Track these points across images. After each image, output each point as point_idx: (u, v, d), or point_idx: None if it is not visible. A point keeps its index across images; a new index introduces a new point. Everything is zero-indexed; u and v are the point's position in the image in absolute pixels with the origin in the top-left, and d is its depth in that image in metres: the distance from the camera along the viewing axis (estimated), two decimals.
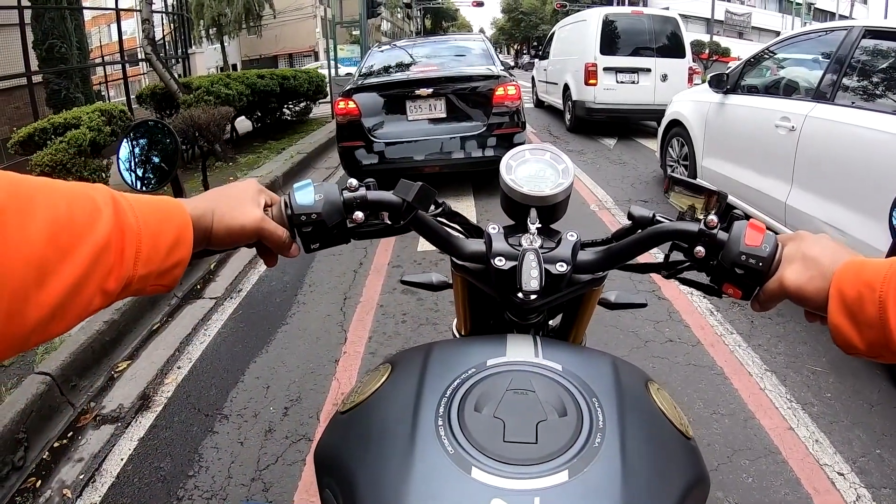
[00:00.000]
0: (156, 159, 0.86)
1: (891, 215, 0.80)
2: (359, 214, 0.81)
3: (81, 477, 2.43)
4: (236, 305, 3.92)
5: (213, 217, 0.73)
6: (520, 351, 0.79)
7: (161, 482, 2.36)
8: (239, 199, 0.76)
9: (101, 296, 0.55)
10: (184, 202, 0.70)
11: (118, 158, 0.85)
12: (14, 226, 0.47)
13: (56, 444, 2.59)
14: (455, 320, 1.17)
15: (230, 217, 0.74)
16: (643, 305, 1.24)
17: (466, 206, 5.86)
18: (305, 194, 0.80)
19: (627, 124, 10.49)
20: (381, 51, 7.56)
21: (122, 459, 2.50)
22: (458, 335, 1.15)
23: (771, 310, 0.76)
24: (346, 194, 0.81)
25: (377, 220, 0.85)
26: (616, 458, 0.63)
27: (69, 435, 2.66)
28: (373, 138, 5.95)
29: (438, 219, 0.95)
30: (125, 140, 0.86)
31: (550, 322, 1.13)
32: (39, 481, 2.40)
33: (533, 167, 0.93)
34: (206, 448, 2.53)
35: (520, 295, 0.80)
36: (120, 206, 0.57)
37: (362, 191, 0.82)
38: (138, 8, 8.96)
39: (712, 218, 0.77)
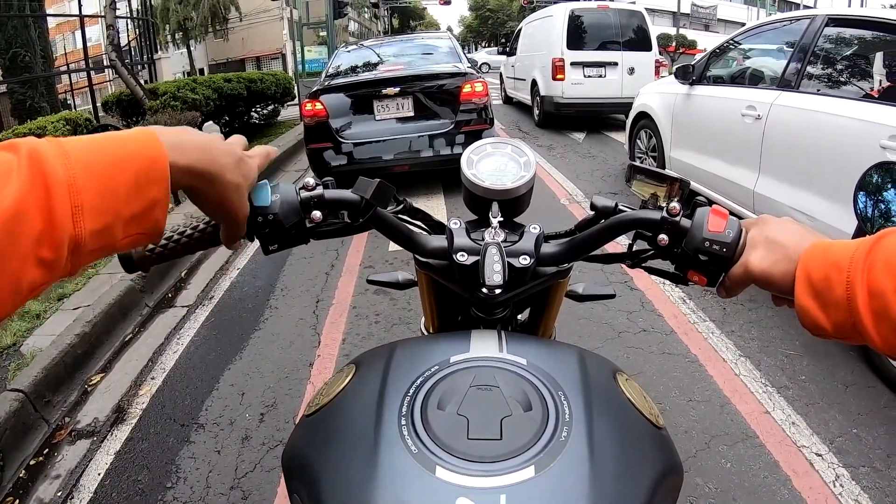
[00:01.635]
0: None
1: (855, 198, 0.81)
2: (317, 214, 0.79)
3: (59, 494, 2.39)
4: (208, 313, 3.88)
5: (213, 179, 0.63)
6: (484, 346, 0.78)
7: (139, 495, 2.34)
8: (240, 184, 0.67)
9: (38, 268, 0.47)
10: (167, 135, 0.58)
11: None
12: None
13: (32, 462, 2.55)
14: (423, 319, 1.16)
15: (231, 201, 0.67)
16: (612, 296, 1.24)
17: (436, 205, 5.84)
18: (261, 194, 0.77)
19: (596, 118, 10.54)
20: (348, 51, 7.53)
21: (99, 474, 2.46)
22: (426, 333, 1.14)
23: (739, 295, 0.76)
24: (304, 194, 0.79)
25: (336, 220, 0.83)
26: (584, 451, 0.63)
27: (45, 452, 2.61)
28: (341, 139, 5.91)
29: (400, 216, 0.94)
30: None
31: (519, 316, 1.12)
32: (17, 501, 2.36)
33: (495, 161, 0.92)
34: (184, 458, 2.50)
35: (483, 290, 0.79)
36: (39, 160, 0.47)
37: (319, 190, 0.80)
38: (102, 14, 8.81)
39: (674, 205, 0.77)
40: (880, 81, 3.25)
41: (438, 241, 0.90)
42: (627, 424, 0.73)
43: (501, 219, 0.87)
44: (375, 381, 0.74)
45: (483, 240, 0.84)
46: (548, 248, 0.89)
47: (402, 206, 0.94)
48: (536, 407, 0.68)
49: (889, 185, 0.79)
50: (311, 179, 0.81)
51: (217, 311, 3.91)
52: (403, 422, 0.67)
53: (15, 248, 0.44)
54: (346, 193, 0.81)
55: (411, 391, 0.71)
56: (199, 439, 2.61)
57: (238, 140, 0.71)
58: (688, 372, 2.90)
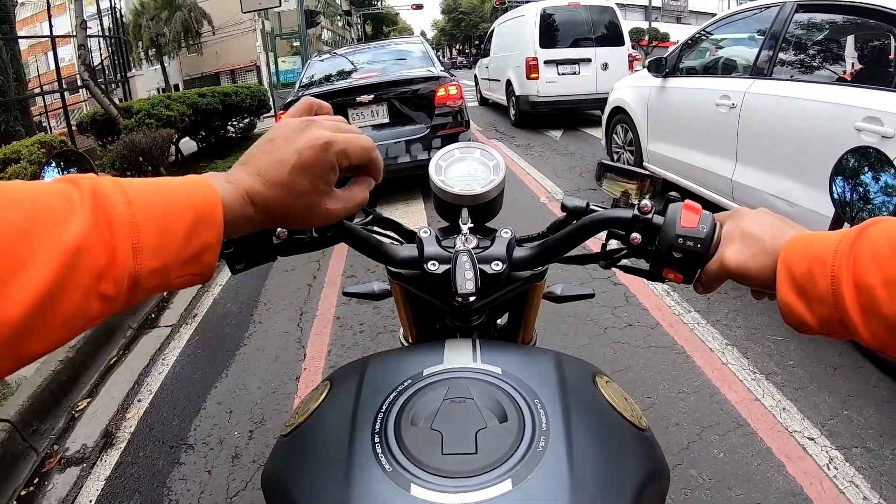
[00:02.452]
0: None
1: (831, 184, 0.80)
2: (282, 230, 0.77)
3: None
4: (192, 331, 3.85)
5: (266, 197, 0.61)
6: (457, 357, 0.77)
7: None
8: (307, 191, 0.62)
9: (98, 301, 0.48)
10: (218, 176, 0.59)
11: None
12: None
13: (23, 493, 2.51)
14: (401, 329, 1.14)
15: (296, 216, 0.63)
16: (591, 296, 1.23)
17: (416, 210, 5.84)
18: None
19: (572, 115, 10.58)
20: (322, 60, 7.51)
21: (90, 501, 2.43)
22: (405, 343, 1.13)
23: (715, 290, 0.75)
24: None
25: (303, 234, 0.81)
26: (562, 461, 0.61)
27: (35, 481, 2.58)
28: None
29: (370, 227, 0.92)
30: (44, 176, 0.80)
31: (498, 321, 1.11)
32: None
33: (464, 166, 0.91)
34: (175, 480, 2.47)
35: (457, 298, 0.78)
36: (102, 198, 0.50)
37: None
38: (74, 34, 8.72)
39: (646, 203, 0.76)
40: (852, 64, 3.27)
41: (409, 251, 0.89)
42: (608, 429, 0.71)
43: (472, 225, 0.86)
44: (349, 399, 0.73)
45: (454, 247, 0.83)
46: (520, 252, 0.87)
47: (371, 217, 0.93)
48: (512, 417, 0.67)
49: (866, 168, 0.79)
50: None
51: (201, 329, 3.88)
52: (377, 439, 0.65)
53: (76, 282, 0.46)
54: None
55: (384, 407, 0.70)
56: (189, 460, 2.58)
57: (317, 134, 0.62)
58: (675, 364, 2.90)
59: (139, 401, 3.09)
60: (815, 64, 3.55)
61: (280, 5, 14.45)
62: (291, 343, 3.51)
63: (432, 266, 0.82)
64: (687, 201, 0.75)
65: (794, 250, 0.62)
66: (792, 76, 3.59)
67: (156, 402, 3.06)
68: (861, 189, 0.79)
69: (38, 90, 15.20)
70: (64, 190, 0.49)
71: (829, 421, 2.45)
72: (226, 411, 2.90)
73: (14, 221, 0.45)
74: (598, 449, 0.67)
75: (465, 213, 0.86)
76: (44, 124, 14.51)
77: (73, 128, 9.75)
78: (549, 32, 9.60)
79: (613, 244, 0.84)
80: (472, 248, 0.82)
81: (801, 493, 2.11)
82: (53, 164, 0.83)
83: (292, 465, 0.71)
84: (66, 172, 0.82)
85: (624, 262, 0.85)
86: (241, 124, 11.81)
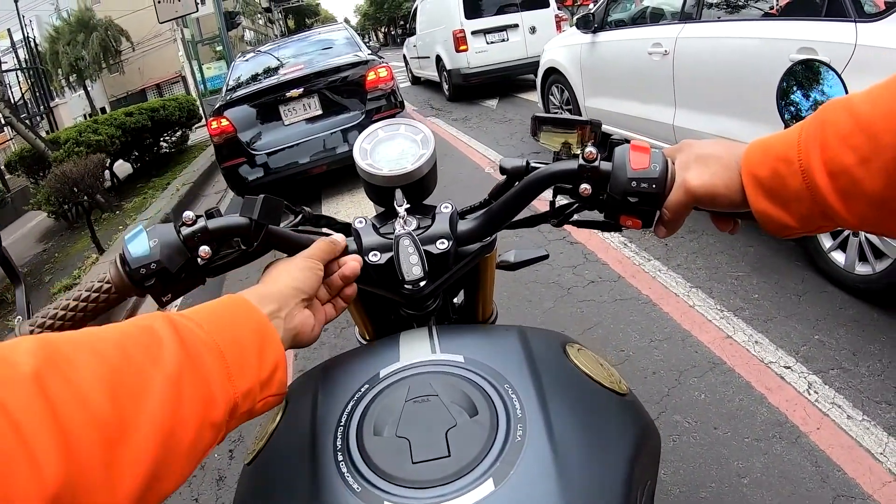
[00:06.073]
0: None
1: (781, 114, 0.79)
2: (204, 249, 0.69)
3: None
4: None
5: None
6: (414, 351, 0.72)
7: None
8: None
9: (210, 430, 0.48)
10: (247, 297, 0.61)
11: None
12: (60, 392, 0.38)
13: None
14: (356, 327, 1.09)
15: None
16: (545, 257, 1.17)
17: (363, 199, 5.74)
18: (138, 243, 0.67)
19: (506, 82, 10.53)
20: (246, 60, 7.35)
21: None
22: (362, 341, 1.06)
23: (678, 229, 0.71)
24: (185, 230, 0.69)
25: (230, 249, 0.73)
26: (544, 448, 0.57)
27: None
28: (253, 151, 5.78)
29: (302, 227, 0.86)
30: None
31: (455, 300, 1.07)
32: None
33: (390, 145, 0.86)
34: None
35: (406, 286, 0.73)
36: (178, 325, 0.50)
37: (202, 222, 0.70)
38: None
39: (590, 150, 0.71)
40: (777, 0, 3.29)
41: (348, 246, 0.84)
42: (587, 401, 0.67)
43: (408, 205, 0.81)
44: (305, 415, 0.68)
45: (393, 233, 0.78)
46: (465, 224, 0.83)
47: (300, 216, 0.86)
48: (482, 409, 0.62)
49: (795, 88, 0.78)
50: (189, 213, 0.71)
51: None
52: (340, 458, 0.60)
53: (183, 412, 0.45)
54: (232, 219, 0.71)
55: (343, 420, 0.64)
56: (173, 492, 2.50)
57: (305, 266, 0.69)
58: (643, 313, 2.91)
59: None
60: (741, 3, 3.56)
61: (197, 10, 14.05)
62: None
63: (374, 257, 0.77)
64: (633, 141, 0.71)
65: (755, 157, 0.60)
66: (720, 17, 3.59)
67: None
68: (793, 108, 0.78)
69: None
70: (140, 322, 0.49)
71: (802, 347, 2.47)
72: None
73: (113, 358, 0.43)
74: (580, 427, 0.62)
75: (398, 194, 0.81)
76: None
77: (2, 168, 9.42)
78: (473, 2, 9.49)
79: (562, 200, 0.79)
80: (413, 230, 0.78)
81: (787, 422, 2.13)
82: None
83: (259, 495, 0.66)
84: None
85: (576, 217, 0.80)
86: (173, 138, 11.55)
